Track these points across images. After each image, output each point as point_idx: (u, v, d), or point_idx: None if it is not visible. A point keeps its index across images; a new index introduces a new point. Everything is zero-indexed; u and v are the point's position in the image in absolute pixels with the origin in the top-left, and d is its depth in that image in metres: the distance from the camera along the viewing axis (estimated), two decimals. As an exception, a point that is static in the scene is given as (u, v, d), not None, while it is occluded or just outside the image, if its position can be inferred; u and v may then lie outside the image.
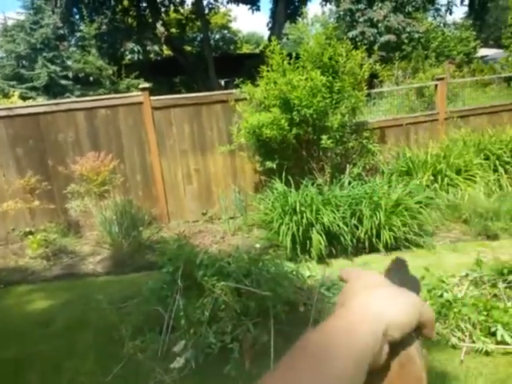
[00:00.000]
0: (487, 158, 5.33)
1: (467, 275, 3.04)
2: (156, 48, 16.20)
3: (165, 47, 18.36)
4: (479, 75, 12.72)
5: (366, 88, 5.38)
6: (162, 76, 15.62)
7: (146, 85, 5.74)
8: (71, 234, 5.34)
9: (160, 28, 16.44)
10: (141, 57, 15.41)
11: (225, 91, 6.06)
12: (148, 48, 15.74)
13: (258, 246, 4.32)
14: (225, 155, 5.67)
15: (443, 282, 2.92)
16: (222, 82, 15.99)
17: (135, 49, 15.11)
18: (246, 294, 3.05)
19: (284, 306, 2.95)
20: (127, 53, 15.31)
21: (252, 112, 5.13)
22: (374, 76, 9.55)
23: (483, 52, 19.70)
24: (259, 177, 5.72)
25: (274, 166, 5.11)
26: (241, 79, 5.27)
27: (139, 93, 5.60)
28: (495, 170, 5.19)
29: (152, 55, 16.97)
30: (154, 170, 5.66)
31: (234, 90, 5.55)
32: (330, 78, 4.86)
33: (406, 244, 4.20)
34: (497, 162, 5.24)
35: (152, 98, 5.54)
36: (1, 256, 5.00)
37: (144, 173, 5.68)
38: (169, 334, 2.82)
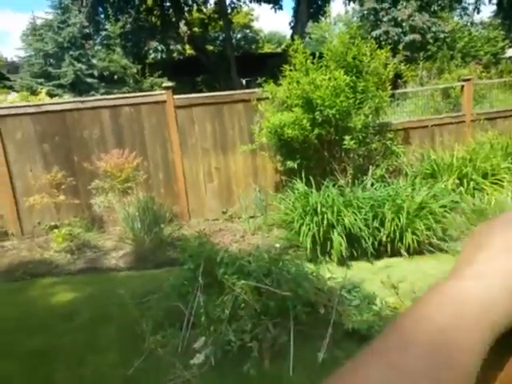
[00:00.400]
0: (515, 162, 5.18)
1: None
2: (179, 47, 16.37)
3: (187, 46, 18.53)
4: (507, 76, 12.37)
5: (389, 88, 5.31)
6: (185, 75, 15.76)
7: (170, 84, 5.81)
8: (95, 228, 5.45)
9: (183, 27, 16.60)
10: (164, 56, 15.59)
11: (247, 90, 6.09)
12: (171, 47, 15.91)
13: (277, 245, 4.31)
14: (246, 154, 5.68)
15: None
16: (244, 82, 16.01)
17: (159, 48, 15.30)
18: (266, 294, 3.05)
19: (304, 307, 2.94)
20: (151, 52, 15.51)
21: (274, 111, 5.13)
22: (398, 76, 9.42)
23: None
24: (280, 176, 5.71)
25: (295, 165, 5.09)
26: (263, 78, 5.27)
27: (163, 91, 5.66)
28: (524, 175, 5.04)
29: (175, 54, 17.15)
30: (176, 168, 5.71)
31: (256, 90, 5.56)
32: (354, 77, 4.81)
33: (430, 248, 4.12)
34: (525, 166, 5.09)
35: (175, 96, 5.59)
36: (27, 249, 5.15)
37: (166, 170, 5.74)
38: (189, 330, 2.85)
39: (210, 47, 20.17)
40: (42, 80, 12.68)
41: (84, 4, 14.85)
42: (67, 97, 11.67)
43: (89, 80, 12.99)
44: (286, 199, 4.90)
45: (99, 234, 5.42)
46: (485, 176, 4.99)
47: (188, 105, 5.65)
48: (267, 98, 5.29)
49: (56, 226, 5.20)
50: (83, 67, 12.95)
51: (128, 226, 4.75)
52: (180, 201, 5.74)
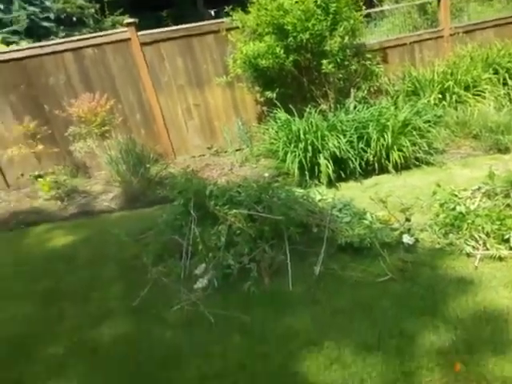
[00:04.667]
0: (496, 73, 5.16)
1: (479, 188, 3.07)
2: (139, -20, 15.09)
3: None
4: (484, -12, 11.99)
5: (364, 8, 5.08)
6: (148, 11, 14.72)
7: (131, 20, 5.41)
8: (80, 174, 5.38)
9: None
10: (124, -9, 14.43)
11: (215, 20, 5.73)
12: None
13: (266, 175, 4.33)
14: (224, 88, 5.50)
15: (455, 195, 2.96)
16: (212, 13, 15.10)
17: (117, -18, 14.10)
18: (259, 220, 3.10)
19: (297, 228, 3.01)
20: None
21: (246, 41, 4.90)
22: (373, -5, 9.00)
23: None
24: (261, 107, 5.59)
25: (274, 95, 4.97)
26: (230, 7, 4.97)
27: (125, 28, 5.31)
28: (505, 84, 5.05)
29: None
30: (153, 108, 5.53)
31: (224, 19, 5.26)
32: (324, -1, 4.56)
33: (416, 163, 4.20)
34: (506, 76, 5.09)
35: (139, 33, 5.27)
36: (16, 200, 5.10)
37: (143, 111, 5.55)
38: (189, 259, 2.91)
39: (173, -22, 18.70)
40: (-6, 28, 11.69)
41: None
42: (25, 43, 10.87)
43: (45, 24, 12.01)
44: (269, 129, 4.84)
45: (85, 179, 5.34)
46: (467, 88, 4.98)
47: (154, 41, 5.34)
48: (237, 28, 5.02)
49: (40, 176, 5.10)
50: (36, 10, 11.91)
51: (113, 169, 4.67)
52: (162, 140, 5.62)
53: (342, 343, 2.17)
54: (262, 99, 5.42)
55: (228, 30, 5.13)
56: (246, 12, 4.90)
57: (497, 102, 4.73)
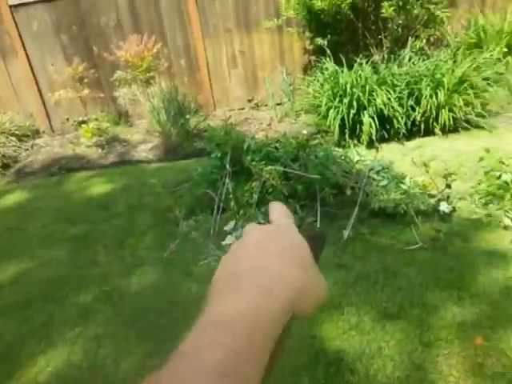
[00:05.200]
0: None
1: (530, 156, 2.82)
2: None
3: None
4: None
5: None
6: None
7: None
8: (122, 122, 5.48)
9: None
10: None
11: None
12: None
13: (304, 132, 4.20)
14: (272, 33, 5.24)
15: (503, 163, 2.74)
16: None
17: None
18: (293, 178, 3.07)
19: (331, 190, 2.96)
20: None
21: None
22: None
23: None
24: (309, 57, 5.32)
25: (325, 42, 4.68)
26: None
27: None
28: None
29: None
30: (198, 54, 5.42)
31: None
32: None
33: (466, 126, 3.89)
34: None
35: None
36: (59, 145, 5.32)
37: (188, 57, 5.47)
38: (220, 214, 2.97)
39: None
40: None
41: None
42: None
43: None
44: (314, 81, 4.62)
45: (127, 127, 5.45)
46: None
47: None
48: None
49: (84, 122, 5.26)
50: None
51: (154, 118, 4.72)
52: (204, 90, 5.56)
53: (363, 309, 2.19)
54: (311, 47, 5.15)
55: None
56: None
57: None
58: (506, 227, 2.51)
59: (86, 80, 5.27)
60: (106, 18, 5.24)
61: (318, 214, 2.86)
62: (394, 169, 3.25)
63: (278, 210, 0.44)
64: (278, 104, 5.25)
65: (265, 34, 5.27)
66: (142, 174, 4.21)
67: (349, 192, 3.03)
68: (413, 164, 3.14)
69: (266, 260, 0.35)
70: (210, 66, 5.48)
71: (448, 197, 2.73)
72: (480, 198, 2.65)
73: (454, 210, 2.70)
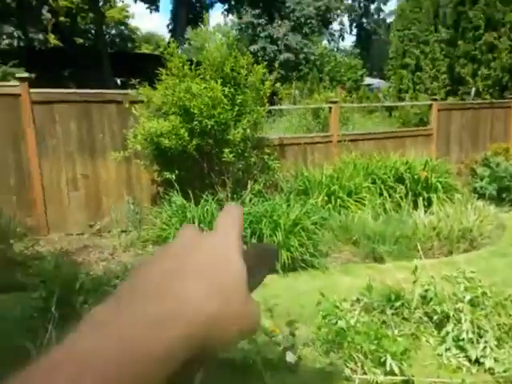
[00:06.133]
0: (374, 182, 5.73)
1: (358, 300, 3.15)
2: (41, 36, 14.57)
3: (52, 36, 16.66)
4: (365, 102, 13.99)
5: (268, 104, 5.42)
6: (49, 69, 13.98)
7: (26, 75, 4.99)
8: None
9: (47, 14, 14.86)
10: (22, 44, 13.68)
11: (120, 90, 5.60)
12: (31, 35, 14.07)
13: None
14: (119, 161, 5.19)
15: (337, 307, 2.97)
16: (119, 81, 14.98)
17: (15, 34, 13.36)
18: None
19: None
20: (4, 37, 13.46)
21: (150, 117, 4.81)
22: (274, 94, 9.81)
23: (368, 81, 21.78)
24: (157, 188, 5.37)
25: (173, 177, 4.82)
26: (137, 80, 4.91)
27: (16, 83, 4.86)
28: (381, 194, 5.61)
29: (36, 43, 15.20)
30: (32, 173, 4.94)
31: (129, 91, 5.15)
32: (232, 89, 4.77)
33: (302, 265, 4.26)
34: (382, 186, 5.67)
35: (32, 90, 4.86)
36: None
37: (19, 175, 4.92)
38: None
39: (80, 40, 18.52)
40: None
41: None
42: None
43: None
44: (162, 213, 4.60)
45: None
46: (349, 194, 5.41)
47: (48, 100, 4.96)
48: (142, 102, 4.93)
49: None
50: None
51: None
52: (36, 211, 4.96)
53: None
54: (158, 179, 5.23)
55: (132, 102, 4.99)
56: (154, 88, 4.84)
57: (374, 211, 5.19)
58: (347, 378, 2.53)
59: None
60: None
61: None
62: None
63: (227, 217, 0.37)
64: (124, 231, 4.98)
65: (111, 161, 5.19)
66: None
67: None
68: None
69: (170, 279, 0.30)
70: (45, 187, 5.01)
71: (293, 344, 2.75)
72: (321, 345, 2.74)
73: (299, 358, 2.70)
